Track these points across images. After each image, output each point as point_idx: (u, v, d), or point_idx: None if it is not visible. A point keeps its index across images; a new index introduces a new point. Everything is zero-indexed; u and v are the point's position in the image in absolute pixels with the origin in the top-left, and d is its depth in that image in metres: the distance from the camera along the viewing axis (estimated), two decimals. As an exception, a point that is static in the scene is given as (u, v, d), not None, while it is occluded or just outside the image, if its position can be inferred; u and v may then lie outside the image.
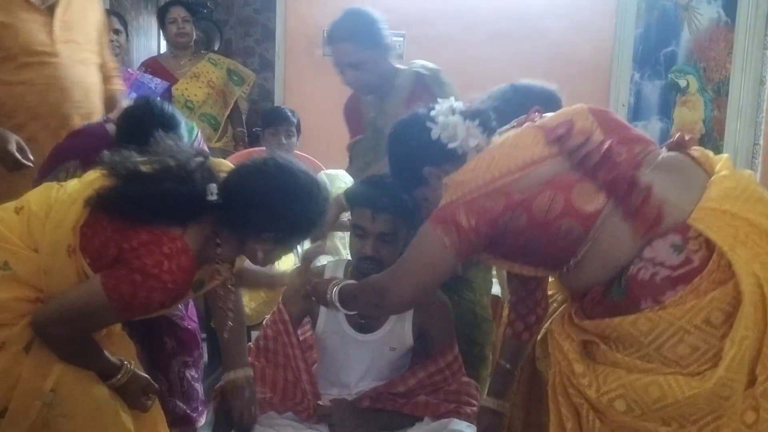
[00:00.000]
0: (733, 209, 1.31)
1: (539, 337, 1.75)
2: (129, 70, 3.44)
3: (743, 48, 2.95)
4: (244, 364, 1.88)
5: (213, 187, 1.52)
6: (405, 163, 1.65)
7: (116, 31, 3.62)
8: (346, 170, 3.66)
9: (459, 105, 1.58)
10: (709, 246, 1.29)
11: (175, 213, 1.48)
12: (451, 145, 1.54)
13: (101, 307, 1.44)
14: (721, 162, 1.43)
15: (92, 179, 1.54)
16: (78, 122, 2.43)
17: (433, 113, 1.58)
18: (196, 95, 3.72)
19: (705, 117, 3.28)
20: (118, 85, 2.71)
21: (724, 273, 1.27)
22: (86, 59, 2.52)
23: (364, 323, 1.96)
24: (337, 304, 1.75)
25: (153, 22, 5.20)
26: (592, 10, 4.19)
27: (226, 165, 1.66)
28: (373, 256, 1.88)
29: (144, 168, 1.51)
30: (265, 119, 3.55)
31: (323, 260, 2.53)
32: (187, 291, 1.53)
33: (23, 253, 1.49)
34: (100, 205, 1.48)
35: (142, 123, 1.88)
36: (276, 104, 4.03)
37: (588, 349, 1.43)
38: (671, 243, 1.31)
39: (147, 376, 1.65)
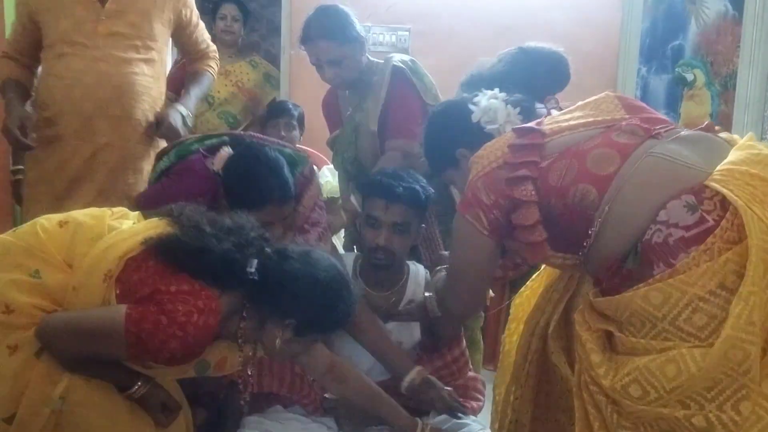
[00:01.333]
0: (752, 170, 1.27)
1: (551, 330, 1.73)
2: None
3: (751, 42, 2.93)
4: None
5: (254, 262, 1.52)
6: (440, 142, 1.68)
7: (234, 18, 3.68)
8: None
9: (503, 94, 1.62)
10: (725, 206, 1.23)
11: (219, 274, 1.48)
12: (489, 128, 1.57)
13: (114, 334, 1.42)
14: (746, 137, 1.42)
15: (155, 222, 1.57)
16: (103, 126, 2.25)
17: (476, 98, 1.62)
18: (219, 92, 3.69)
19: (712, 111, 3.27)
20: (208, 66, 2.62)
21: (737, 232, 1.21)
22: (128, 55, 2.28)
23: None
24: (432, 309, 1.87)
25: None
26: (599, 4, 4.17)
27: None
28: (385, 246, 1.89)
29: (205, 227, 1.53)
30: (268, 112, 3.58)
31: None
32: (201, 352, 1.50)
33: (57, 265, 1.50)
34: (156, 247, 1.49)
35: (253, 179, 1.88)
36: (281, 99, 4.02)
37: (611, 342, 1.38)
38: (685, 203, 1.26)
39: (167, 391, 1.60)
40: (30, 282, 1.47)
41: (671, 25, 3.66)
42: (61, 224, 1.56)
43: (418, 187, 1.91)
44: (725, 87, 3.17)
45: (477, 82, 1.86)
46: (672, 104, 3.64)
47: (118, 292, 1.47)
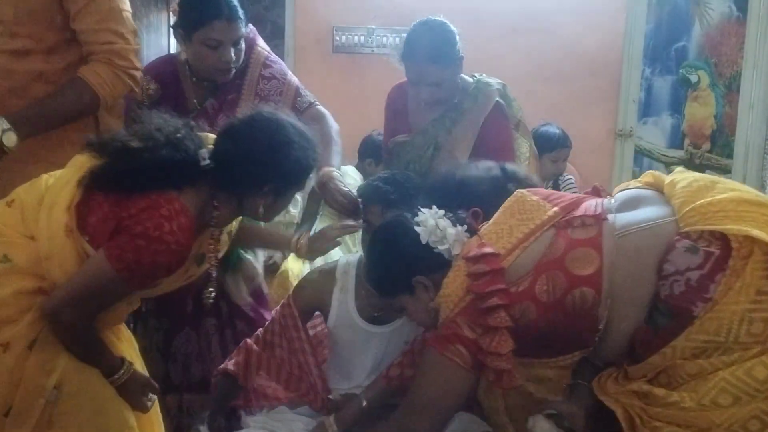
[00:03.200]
0: (706, 199, 1.37)
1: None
2: None
3: (755, 43, 2.93)
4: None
5: (204, 152, 1.55)
6: (392, 269, 1.62)
7: None
8: (355, 166, 3.68)
9: (441, 211, 1.58)
10: (716, 235, 1.34)
11: (169, 178, 1.49)
12: (439, 249, 1.54)
13: (110, 280, 1.44)
14: (649, 174, 1.55)
15: (81, 162, 1.55)
16: None
17: (418, 218, 1.57)
18: None
19: (716, 112, 3.26)
20: (86, 72, 1.90)
21: (745, 246, 1.32)
22: (17, 48, 1.88)
23: (377, 315, 1.97)
24: None
25: (164, 20, 5.21)
26: (603, 6, 4.17)
27: (212, 137, 1.67)
28: None
29: (133, 143, 1.52)
30: None
31: (335, 255, 2.54)
32: (189, 251, 1.51)
33: (20, 242, 1.49)
34: (94, 182, 1.49)
35: None
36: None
37: (657, 382, 1.42)
38: (684, 248, 1.35)
39: (147, 375, 1.65)
40: (2, 269, 1.47)
41: (675, 27, 3.66)
42: (8, 204, 1.56)
43: (414, 193, 1.90)
44: (729, 88, 3.16)
45: (452, 185, 1.78)
46: (676, 106, 3.64)
47: (87, 238, 1.48)
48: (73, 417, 1.50)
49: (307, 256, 1.97)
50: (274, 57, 2.27)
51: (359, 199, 1.98)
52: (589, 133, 4.09)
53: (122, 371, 1.57)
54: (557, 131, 3.45)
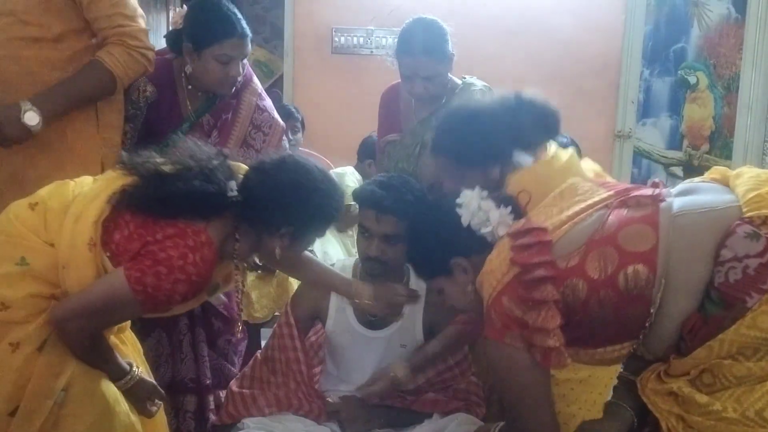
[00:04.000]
0: None
1: None
2: None
3: (753, 44, 2.93)
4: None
5: (233, 184, 1.57)
6: (431, 250, 1.58)
7: None
8: (355, 167, 3.68)
9: (485, 192, 1.50)
10: None
11: (199, 209, 1.51)
12: (482, 231, 1.48)
13: (125, 299, 1.45)
14: (717, 170, 1.46)
15: (112, 177, 1.57)
16: None
17: (460, 200, 1.51)
18: None
19: (715, 114, 3.26)
20: (105, 55, 1.95)
21: None
22: (24, 35, 1.91)
23: (374, 320, 1.97)
24: None
25: (162, 20, 5.21)
26: (602, 7, 4.18)
27: (243, 167, 1.70)
28: (378, 257, 1.88)
29: (166, 168, 1.54)
30: None
31: (334, 258, 2.54)
32: (208, 284, 1.54)
33: (40, 247, 1.50)
34: (125, 202, 1.50)
35: (219, 11, 2.11)
36: (284, 102, 4.03)
37: (700, 383, 1.32)
38: (744, 234, 1.26)
39: (153, 381, 1.65)
40: (19, 271, 1.47)
41: (674, 28, 3.66)
42: (31, 206, 1.55)
43: (410, 197, 1.88)
44: (728, 89, 3.17)
45: (461, 110, 1.75)
46: (675, 107, 3.64)
47: (108, 255, 1.49)
48: (79, 419, 1.50)
49: (368, 307, 1.93)
50: (265, 95, 2.37)
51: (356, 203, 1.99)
52: (588, 134, 4.09)
53: (129, 377, 1.58)
54: (564, 139, 3.44)
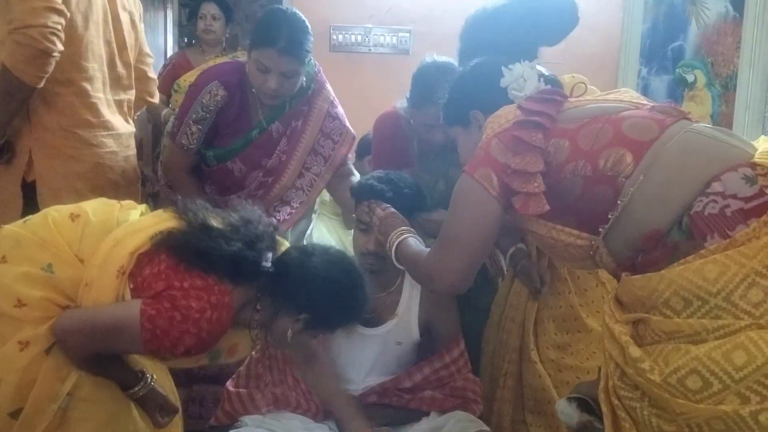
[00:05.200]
0: None
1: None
2: None
3: (751, 43, 2.93)
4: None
5: (270, 256, 1.58)
6: (461, 97, 1.63)
7: (213, 17, 3.72)
8: (353, 165, 3.68)
9: (540, 67, 1.57)
10: None
11: (232, 272, 1.51)
12: (513, 94, 1.52)
13: (131, 331, 1.44)
14: (762, 139, 1.38)
15: (163, 217, 1.58)
16: None
17: (512, 65, 1.56)
18: None
19: (713, 112, 3.26)
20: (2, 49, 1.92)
21: None
22: None
23: (371, 317, 1.97)
24: (394, 260, 1.72)
25: (160, 18, 5.21)
26: (599, 5, 4.17)
27: (285, 244, 1.72)
28: (376, 252, 1.89)
29: (215, 222, 1.56)
30: None
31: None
32: (213, 345, 1.53)
33: (70, 260, 1.50)
34: (166, 243, 1.50)
35: (269, 18, 2.16)
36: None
37: (636, 333, 1.25)
38: (743, 175, 1.20)
39: (165, 394, 1.63)
40: (42, 276, 1.47)
41: (672, 26, 3.66)
42: (72, 217, 1.56)
43: (408, 191, 1.90)
44: (726, 88, 3.17)
45: (481, 19, 1.82)
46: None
47: (132, 286, 1.49)
48: (83, 423, 1.50)
49: None
50: (337, 102, 2.37)
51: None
52: (585, 132, 4.10)
53: (139, 387, 1.57)
54: None
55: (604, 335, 1.31)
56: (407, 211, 1.86)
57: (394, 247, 1.71)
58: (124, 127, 2.29)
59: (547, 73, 1.61)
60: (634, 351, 1.21)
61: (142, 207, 1.69)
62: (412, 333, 1.98)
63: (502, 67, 1.55)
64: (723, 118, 3.17)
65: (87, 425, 1.50)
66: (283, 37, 2.07)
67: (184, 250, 1.50)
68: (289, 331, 1.60)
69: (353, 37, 4.20)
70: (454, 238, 1.44)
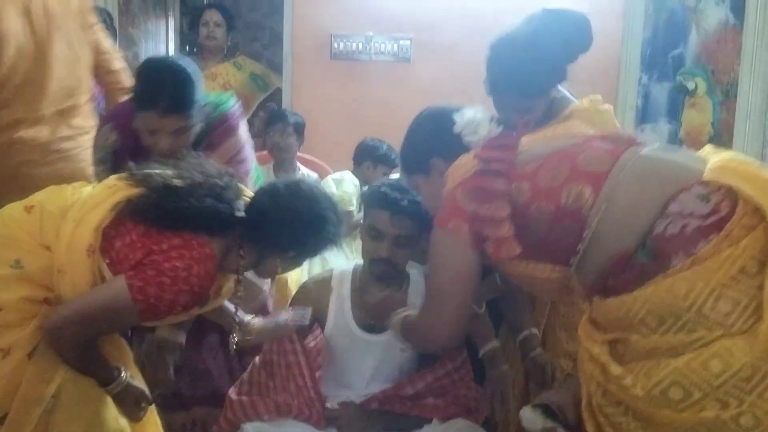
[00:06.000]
0: (739, 168, 1.30)
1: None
2: None
3: (752, 50, 2.94)
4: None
5: (241, 204, 1.61)
6: (418, 146, 1.67)
7: (216, 24, 3.74)
8: (352, 172, 3.69)
9: (488, 113, 1.61)
10: (731, 196, 1.25)
11: (207, 225, 1.53)
12: (467, 139, 1.55)
13: (125, 308, 1.46)
14: (707, 148, 1.46)
15: (116, 186, 1.57)
16: None
17: (462, 109, 1.60)
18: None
19: (713, 119, 3.27)
20: None
21: (752, 219, 1.22)
22: None
23: (374, 324, 1.97)
24: (399, 337, 1.78)
25: (162, 26, 5.23)
26: (600, 13, 4.18)
27: (247, 190, 1.74)
28: (388, 259, 1.89)
29: (176, 182, 1.56)
30: (266, 120, 3.61)
31: (334, 263, 2.54)
32: (207, 296, 1.57)
33: (35, 250, 1.49)
34: (133, 212, 1.51)
35: (147, 78, 1.94)
36: (284, 108, 4.04)
37: (616, 352, 1.31)
38: (697, 194, 1.26)
39: (141, 386, 1.64)
40: (13, 274, 1.47)
41: (672, 34, 3.67)
42: (27, 209, 1.55)
43: (420, 199, 1.90)
44: (726, 95, 3.17)
45: (509, 44, 1.83)
46: (673, 112, 3.65)
47: (107, 261, 1.49)
48: (69, 426, 1.50)
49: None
50: (245, 154, 2.12)
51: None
52: (586, 139, 4.10)
53: (116, 383, 1.57)
54: None
55: (583, 357, 1.37)
56: (423, 218, 1.85)
57: (397, 328, 1.77)
58: (59, 133, 2.31)
59: (497, 117, 1.64)
60: (615, 369, 1.26)
61: (93, 183, 1.68)
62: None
63: (454, 114, 1.59)
64: (724, 126, 3.18)
65: (72, 427, 1.50)
66: (163, 97, 1.85)
67: (154, 214, 1.51)
68: (280, 268, 1.69)
69: (354, 45, 4.21)
70: (439, 292, 1.51)
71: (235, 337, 1.79)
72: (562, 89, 1.90)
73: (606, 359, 1.29)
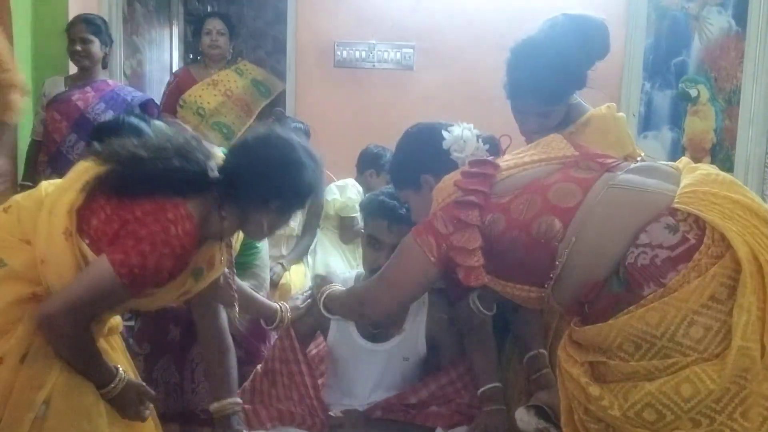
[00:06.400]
0: (712, 190, 1.34)
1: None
2: (108, 81, 3.41)
3: (754, 57, 2.94)
4: (231, 392, 1.87)
5: (213, 164, 1.58)
6: (407, 162, 1.71)
7: (219, 33, 3.72)
8: (355, 179, 3.69)
9: (476, 130, 1.65)
10: (700, 224, 1.30)
11: (177, 187, 1.51)
12: (455, 156, 1.60)
13: (111, 285, 1.43)
14: (684, 160, 1.51)
15: (84, 168, 1.55)
16: None
17: (451, 127, 1.64)
18: (208, 102, 3.72)
19: (716, 127, 3.27)
20: None
21: (719, 247, 1.27)
22: None
23: (377, 333, 1.96)
24: (323, 310, 1.85)
25: (165, 35, 5.26)
26: (602, 21, 4.19)
27: (218, 152, 1.71)
28: None
29: (142, 152, 1.54)
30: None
31: (336, 270, 2.54)
32: (191, 257, 1.52)
33: (16, 246, 1.49)
34: (101, 186, 1.49)
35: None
36: (287, 115, 4.05)
37: (597, 372, 1.37)
38: (665, 224, 1.31)
39: (141, 383, 1.63)
40: None
41: (674, 42, 3.68)
42: (5, 210, 1.56)
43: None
44: (729, 102, 3.17)
45: (531, 49, 1.85)
46: (676, 120, 3.65)
47: (87, 242, 1.48)
48: None
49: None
50: None
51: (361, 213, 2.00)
52: (589, 147, 4.10)
53: (117, 380, 1.55)
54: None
55: (564, 377, 1.42)
56: None
57: (322, 300, 1.86)
58: None
59: (485, 135, 1.67)
60: (594, 390, 1.33)
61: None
62: (419, 348, 1.98)
63: (442, 131, 1.63)
64: (727, 133, 3.18)
65: None
66: None
67: (123, 185, 1.49)
68: (265, 223, 1.63)
69: (357, 53, 4.23)
70: (389, 282, 1.61)
71: (236, 309, 1.78)
72: (576, 96, 1.91)
73: (585, 380, 1.36)
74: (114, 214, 1.47)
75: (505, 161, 1.55)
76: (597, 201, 1.39)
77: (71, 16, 3.54)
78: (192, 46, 5.27)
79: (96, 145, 1.61)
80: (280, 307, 1.99)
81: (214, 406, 1.86)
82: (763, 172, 2.94)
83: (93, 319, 1.51)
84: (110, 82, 3.41)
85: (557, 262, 1.39)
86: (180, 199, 1.49)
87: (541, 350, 1.92)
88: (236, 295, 1.79)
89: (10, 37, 3.27)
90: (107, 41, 3.38)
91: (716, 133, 3.26)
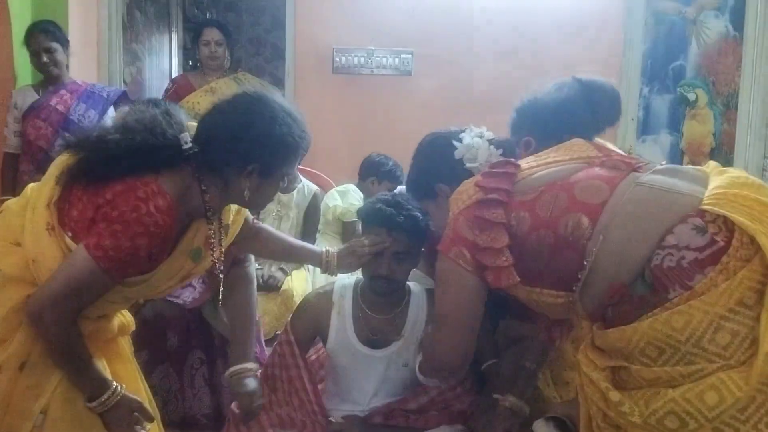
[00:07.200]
0: (741, 192, 1.30)
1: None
2: (78, 81, 3.43)
3: (752, 61, 2.95)
4: (249, 357, 1.92)
5: (186, 136, 1.52)
6: (422, 173, 1.72)
7: (217, 43, 3.73)
8: (356, 185, 3.70)
9: (489, 133, 1.64)
10: (728, 226, 1.25)
11: (145, 163, 1.46)
12: (469, 165, 1.60)
13: (90, 272, 1.39)
14: (711, 164, 1.47)
15: (60, 161, 1.54)
16: None
17: (461, 135, 1.65)
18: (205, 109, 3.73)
19: (715, 130, 3.28)
20: None
21: (748, 250, 1.23)
22: None
23: (376, 339, 1.96)
24: (420, 377, 1.85)
25: (165, 42, 5.27)
26: (600, 26, 4.21)
27: (193, 125, 1.64)
28: (387, 275, 1.89)
29: (110, 135, 1.51)
30: None
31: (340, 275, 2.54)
32: (170, 234, 1.47)
33: (7, 249, 1.48)
34: (71, 175, 1.48)
35: None
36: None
37: (619, 378, 1.33)
38: (693, 225, 1.26)
39: (139, 400, 1.57)
40: None
41: (672, 46, 3.69)
42: None
43: (417, 213, 1.90)
44: (727, 106, 3.18)
45: (535, 109, 1.81)
46: (674, 124, 3.66)
47: (70, 234, 1.46)
48: None
49: (336, 272, 1.97)
50: None
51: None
52: (588, 151, 4.11)
53: (110, 393, 1.49)
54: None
55: (584, 381, 1.38)
56: (420, 231, 1.86)
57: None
58: None
59: (497, 139, 1.66)
60: (614, 395, 1.29)
61: None
62: (419, 354, 1.98)
63: (453, 141, 1.63)
64: (725, 136, 3.19)
65: None
66: None
67: (90, 171, 1.46)
68: (246, 190, 1.53)
69: (356, 59, 4.24)
70: (445, 318, 1.53)
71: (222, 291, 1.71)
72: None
73: (605, 385, 1.31)
74: (89, 202, 1.44)
75: (526, 161, 1.52)
76: (624, 199, 1.35)
77: (71, 16, 3.55)
78: (191, 53, 5.29)
79: (66, 137, 1.60)
80: (325, 251, 1.95)
81: (231, 370, 1.89)
82: (762, 174, 2.94)
83: (79, 311, 1.46)
84: (79, 81, 3.44)
85: (585, 262, 1.34)
86: (151, 177, 1.44)
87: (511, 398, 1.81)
88: (222, 278, 1.70)
89: (9, 38, 3.28)
90: (66, 43, 3.39)
91: (714, 136, 3.26)
